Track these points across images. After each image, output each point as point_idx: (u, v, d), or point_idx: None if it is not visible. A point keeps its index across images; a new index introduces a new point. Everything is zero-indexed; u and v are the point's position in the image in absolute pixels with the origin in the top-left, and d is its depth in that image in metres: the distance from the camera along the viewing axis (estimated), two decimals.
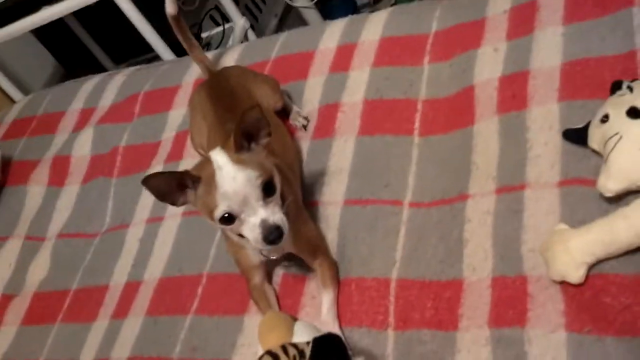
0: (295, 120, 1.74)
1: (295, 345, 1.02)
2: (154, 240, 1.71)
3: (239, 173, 1.17)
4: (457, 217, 1.37)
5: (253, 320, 1.42)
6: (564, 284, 1.16)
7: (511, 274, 1.23)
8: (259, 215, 1.19)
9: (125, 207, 1.87)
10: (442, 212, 1.40)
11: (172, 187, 1.20)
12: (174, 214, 1.73)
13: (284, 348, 1.03)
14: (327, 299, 1.36)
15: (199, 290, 1.54)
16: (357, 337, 1.31)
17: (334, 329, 1.32)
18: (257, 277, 1.42)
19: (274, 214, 1.20)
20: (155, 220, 1.75)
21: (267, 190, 1.19)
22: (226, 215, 1.18)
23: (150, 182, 1.18)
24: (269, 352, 1.07)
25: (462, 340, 1.21)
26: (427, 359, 1.22)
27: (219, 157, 1.20)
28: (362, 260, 1.41)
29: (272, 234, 1.18)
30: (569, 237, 1.15)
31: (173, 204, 1.24)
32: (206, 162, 1.22)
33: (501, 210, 1.32)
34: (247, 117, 1.21)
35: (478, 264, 1.28)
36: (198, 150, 1.72)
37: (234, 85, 1.66)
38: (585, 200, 1.24)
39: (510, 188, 1.34)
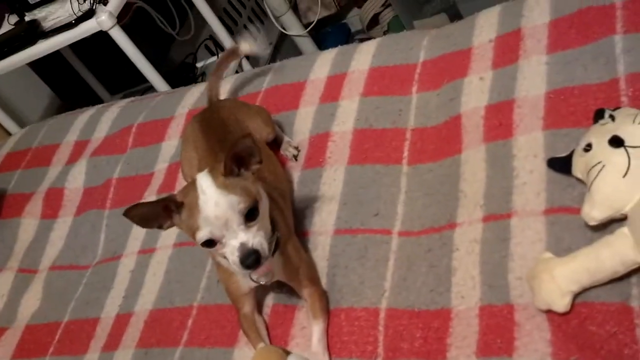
0: (286, 151, 1.76)
1: None
2: (145, 272, 1.71)
3: (221, 198, 1.18)
4: (446, 246, 1.37)
5: (243, 352, 1.42)
6: (550, 312, 1.16)
7: (498, 302, 1.23)
8: (238, 239, 1.19)
9: (118, 239, 1.87)
10: (432, 241, 1.41)
11: (158, 213, 1.22)
12: (165, 245, 1.74)
13: None
14: (317, 329, 1.36)
15: (189, 321, 1.54)
16: None
17: None
18: (247, 306, 1.42)
19: (254, 238, 1.20)
20: (146, 252, 1.75)
21: (250, 214, 1.20)
22: (208, 239, 1.19)
23: (131, 212, 1.19)
24: None
25: None
26: None
27: (204, 181, 1.21)
28: (352, 289, 1.42)
29: (249, 258, 1.19)
30: (554, 265, 1.16)
31: (159, 227, 1.25)
32: (191, 185, 1.23)
33: (488, 239, 1.33)
34: (239, 143, 1.22)
35: (466, 293, 1.28)
36: (187, 181, 1.72)
37: (226, 117, 1.68)
38: (571, 228, 1.24)
39: (497, 216, 1.34)
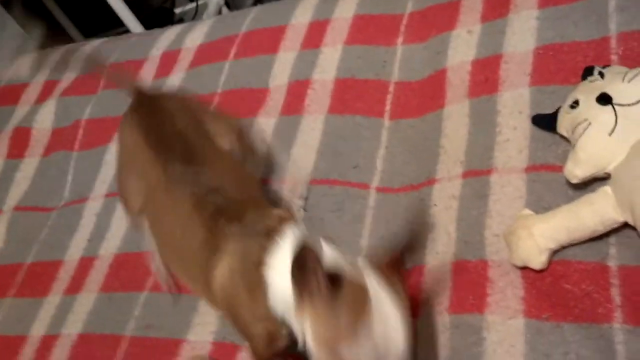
0: (291, 197, 1.44)
1: None
2: (111, 215, 1.66)
3: (401, 330, 0.83)
4: (423, 202, 1.34)
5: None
6: (525, 269, 1.14)
7: (473, 258, 1.20)
8: None
9: (85, 181, 1.81)
10: (410, 198, 1.37)
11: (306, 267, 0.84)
12: None
13: None
14: None
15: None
16: None
17: None
18: None
19: None
20: (114, 195, 1.69)
21: None
22: None
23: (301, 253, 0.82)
24: None
25: (422, 327, 1.18)
26: None
27: (375, 283, 0.85)
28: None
29: None
30: (533, 222, 1.13)
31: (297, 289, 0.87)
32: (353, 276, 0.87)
33: (467, 195, 1.29)
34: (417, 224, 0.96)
35: (441, 249, 1.26)
36: (132, 217, 1.37)
37: (181, 124, 1.26)
38: (552, 186, 1.21)
39: (477, 172, 1.31)
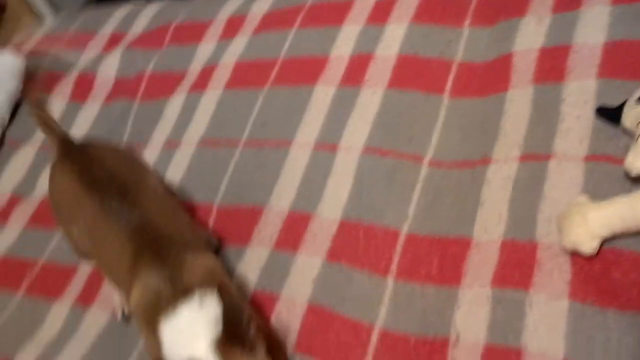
0: None
1: None
2: (167, 165, 1.71)
3: None
4: (476, 180, 1.35)
5: (254, 251, 1.42)
6: (574, 254, 1.15)
7: (522, 238, 1.22)
8: None
9: (144, 130, 1.87)
10: (462, 175, 1.38)
11: None
12: (191, 141, 1.73)
13: None
14: None
15: (210, 219, 1.54)
16: (356, 278, 1.30)
17: None
18: None
19: None
20: (171, 147, 1.74)
21: None
22: None
23: None
24: None
25: (464, 297, 1.20)
26: (426, 312, 1.22)
27: None
28: (374, 210, 1.40)
29: None
30: (588, 209, 1.13)
31: None
32: None
33: (523, 178, 1.30)
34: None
35: (490, 227, 1.27)
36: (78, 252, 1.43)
37: (111, 165, 1.34)
38: (610, 177, 1.22)
39: (536, 156, 1.32)
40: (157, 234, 1.19)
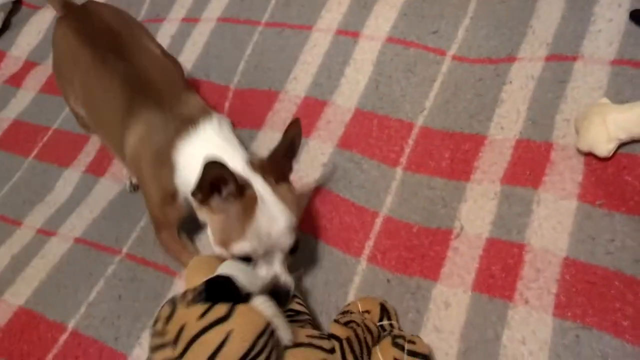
0: None
1: (194, 288, 0.86)
2: (186, 39, 1.68)
3: (281, 215, 1.00)
4: (499, 77, 1.33)
5: (267, 134, 1.41)
6: (588, 156, 1.13)
7: (538, 139, 1.20)
8: (273, 268, 1.03)
9: (162, 3, 1.82)
10: (485, 71, 1.35)
11: (213, 180, 0.98)
12: (210, 18, 1.69)
13: (184, 293, 0.88)
14: None
15: (225, 103, 1.53)
16: (365, 167, 1.30)
17: None
18: (175, 226, 1.23)
19: (286, 275, 1.04)
20: (191, 20, 1.71)
21: (293, 249, 1.05)
22: (245, 255, 1.00)
23: (212, 167, 0.94)
24: (171, 299, 0.90)
25: (471, 191, 1.20)
26: (432, 203, 1.22)
27: (259, 184, 1.01)
28: (391, 100, 1.39)
29: (281, 296, 1.02)
30: (609, 110, 1.11)
31: (200, 196, 1.01)
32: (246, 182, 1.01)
33: (546, 78, 1.27)
34: (293, 134, 1.05)
35: (507, 125, 1.25)
36: (72, 108, 1.45)
37: (114, 26, 1.33)
38: (635, 82, 1.19)
39: (562, 57, 1.28)
40: (150, 81, 1.20)
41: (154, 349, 0.86)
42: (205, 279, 0.88)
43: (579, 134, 1.14)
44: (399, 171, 1.28)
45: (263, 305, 0.86)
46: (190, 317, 0.83)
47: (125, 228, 1.36)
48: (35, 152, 1.65)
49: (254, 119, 1.47)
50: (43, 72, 1.82)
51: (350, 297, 1.14)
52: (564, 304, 1.02)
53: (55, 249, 1.38)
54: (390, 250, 1.18)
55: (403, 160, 1.29)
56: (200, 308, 0.84)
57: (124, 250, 1.33)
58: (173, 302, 0.87)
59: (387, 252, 1.19)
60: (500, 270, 1.09)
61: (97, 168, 1.54)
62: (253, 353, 0.82)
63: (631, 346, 0.95)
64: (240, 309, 0.84)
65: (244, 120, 1.48)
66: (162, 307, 0.88)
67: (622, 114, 1.10)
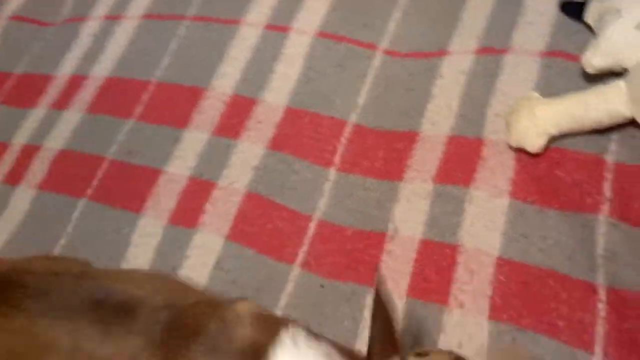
0: None
1: None
2: (108, 38, 1.59)
3: None
4: (430, 72, 1.29)
5: (192, 134, 1.35)
6: (520, 152, 1.11)
7: (470, 134, 1.17)
8: None
9: (85, 1, 1.73)
10: (417, 65, 1.32)
11: None
12: (134, 15, 1.61)
13: None
14: None
15: (145, 96, 1.45)
16: (298, 168, 1.25)
17: None
18: None
19: None
20: (113, 18, 1.62)
21: None
22: None
23: None
24: None
25: (404, 190, 1.16)
26: (366, 204, 1.18)
27: None
28: (323, 96, 1.34)
29: None
30: (538, 104, 1.09)
31: None
32: None
33: (477, 71, 1.25)
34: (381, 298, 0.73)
35: (439, 120, 1.22)
36: None
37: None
38: (565, 74, 1.17)
39: (492, 50, 1.25)
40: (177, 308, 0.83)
41: None
42: None
43: (509, 129, 1.11)
44: (332, 172, 1.24)
45: None
46: None
47: (44, 245, 1.29)
48: None
49: (177, 117, 1.40)
50: None
51: (282, 304, 1.10)
52: (499, 306, 1.00)
53: None
54: (325, 255, 1.14)
55: (337, 160, 1.25)
56: None
57: None
58: None
59: (321, 257, 1.14)
60: (434, 273, 1.06)
61: (15, 176, 1.45)
62: None
63: (568, 347, 0.94)
64: None
65: (166, 118, 1.41)
66: None
67: (552, 107, 1.07)
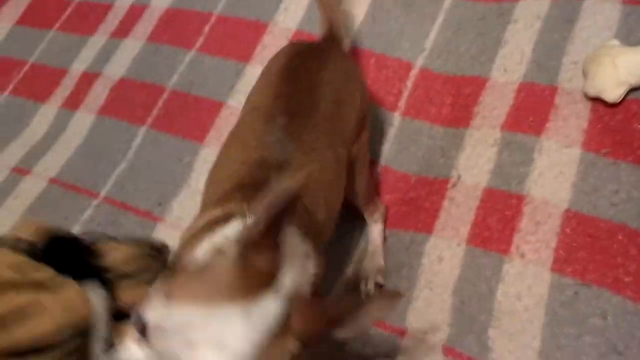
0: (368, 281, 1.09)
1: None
2: None
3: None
4: (502, 16, 1.24)
5: (254, 69, 1.33)
6: (596, 101, 1.06)
7: (543, 82, 1.13)
8: None
9: None
10: (488, 10, 1.27)
11: None
12: None
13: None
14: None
15: (206, 28, 1.43)
16: None
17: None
18: None
19: None
20: None
21: None
22: None
23: None
24: None
25: (470, 138, 1.13)
26: (431, 151, 1.16)
27: None
28: (389, 37, 1.30)
29: None
30: (619, 52, 1.04)
31: None
32: None
33: (553, 17, 1.19)
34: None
35: (511, 67, 1.18)
36: None
37: (324, 77, 0.98)
38: None
39: None
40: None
41: None
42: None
43: (587, 77, 1.06)
44: (397, 116, 1.21)
45: (95, 293, 0.67)
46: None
47: (102, 169, 1.29)
48: (10, 87, 1.56)
49: (240, 51, 1.38)
50: (17, 3, 1.71)
51: None
52: (563, 258, 0.97)
53: (30, 189, 1.31)
54: (389, 206, 1.13)
55: (401, 104, 1.22)
56: (18, 259, 0.65)
57: (102, 194, 1.26)
58: None
59: (387, 208, 1.13)
60: (496, 222, 1.03)
61: (74, 101, 1.46)
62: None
63: (632, 303, 0.91)
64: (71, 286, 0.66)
65: (229, 51, 1.39)
66: None
67: (634, 56, 1.02)
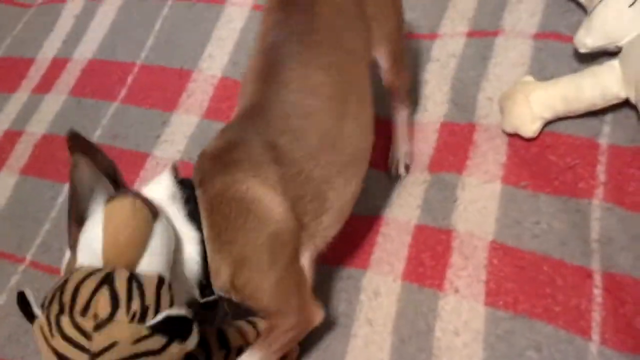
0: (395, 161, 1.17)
1: (142, 294, 0.71)
2: (90, 19, 1.56)
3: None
4: (422, 56, 1.27)
5: (180, 118, 1.32)
6: (512, 137, 1.10)
7: (461, 120, 1.16)
8: None
9: None
10: (408, 48, 1.30)
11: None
12: None
13: (129, 290, 0.72)
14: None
15: (129, 78, 1.42)
16: None
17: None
18: None
19: None
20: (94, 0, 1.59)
21: None
22: None
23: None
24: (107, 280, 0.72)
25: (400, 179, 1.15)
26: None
27: None
28: None
29: None
30: (532, 88, 1.08)
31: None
32: None
33: (468, 55, 1.23)
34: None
35: (431, 107, 1.21)
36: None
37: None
38: (558, 56, 1.16)
39: (483, 33, 1.24)
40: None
41: (68, 337, 0.70)
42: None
43: (503, 114, 1.10)
44: None
45: None
46: (127, 336, 0.71)
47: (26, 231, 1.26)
48: None
49: (165, 100, 1.38)
50: None
51: None
52: (495, 291, 0.99)
53: None
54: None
55: None
56: (139, 330, 0.71)
57: (28, 258, 1.23)
58: (115, 300, 0.71)
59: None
60: (429, 258, 1.05)
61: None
62: None
63: (565, 332, 0.93)
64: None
65: (154, 101, 1.38)
66: (100, 294, 0.71)
67: (546, 91, 1.06)
